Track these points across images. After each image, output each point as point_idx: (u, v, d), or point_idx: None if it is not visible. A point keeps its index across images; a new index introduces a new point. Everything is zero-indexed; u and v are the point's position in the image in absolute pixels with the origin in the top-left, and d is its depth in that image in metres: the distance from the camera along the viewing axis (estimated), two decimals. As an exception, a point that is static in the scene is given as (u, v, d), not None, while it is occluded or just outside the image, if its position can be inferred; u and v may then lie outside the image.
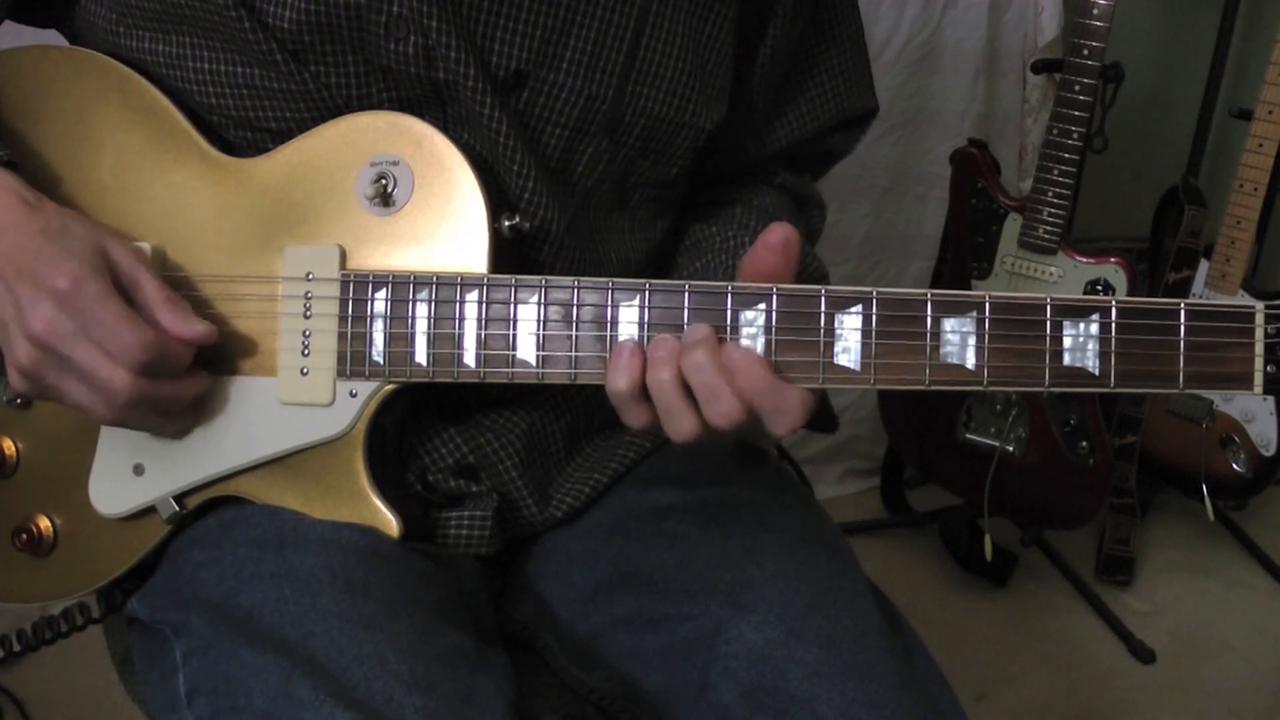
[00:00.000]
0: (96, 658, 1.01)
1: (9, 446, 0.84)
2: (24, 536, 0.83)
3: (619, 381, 0.71)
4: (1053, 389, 0.70)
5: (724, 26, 0.84)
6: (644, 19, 0.80)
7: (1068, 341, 0.69)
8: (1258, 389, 0.69)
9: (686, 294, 0.71)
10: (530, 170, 0.79)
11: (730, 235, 0.91)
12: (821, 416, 0.79)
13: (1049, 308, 0.69)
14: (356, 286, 0.75)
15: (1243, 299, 1.91)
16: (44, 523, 0.83)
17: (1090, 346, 0.69)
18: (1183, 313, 0.69)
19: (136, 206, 0.79)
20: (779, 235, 0.71)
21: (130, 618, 0.83)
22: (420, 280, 0.75)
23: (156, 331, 0.72)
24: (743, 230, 0.91)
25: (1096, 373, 0.70)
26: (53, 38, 0.89)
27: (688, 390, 0.70)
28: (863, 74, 0.98)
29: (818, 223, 1.01)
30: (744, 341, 0.71)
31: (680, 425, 0.70)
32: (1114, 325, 0.69)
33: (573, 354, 0.73)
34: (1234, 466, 1.96)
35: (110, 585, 0.83)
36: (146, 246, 0.77)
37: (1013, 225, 1.82)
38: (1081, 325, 0.69)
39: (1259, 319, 0.69)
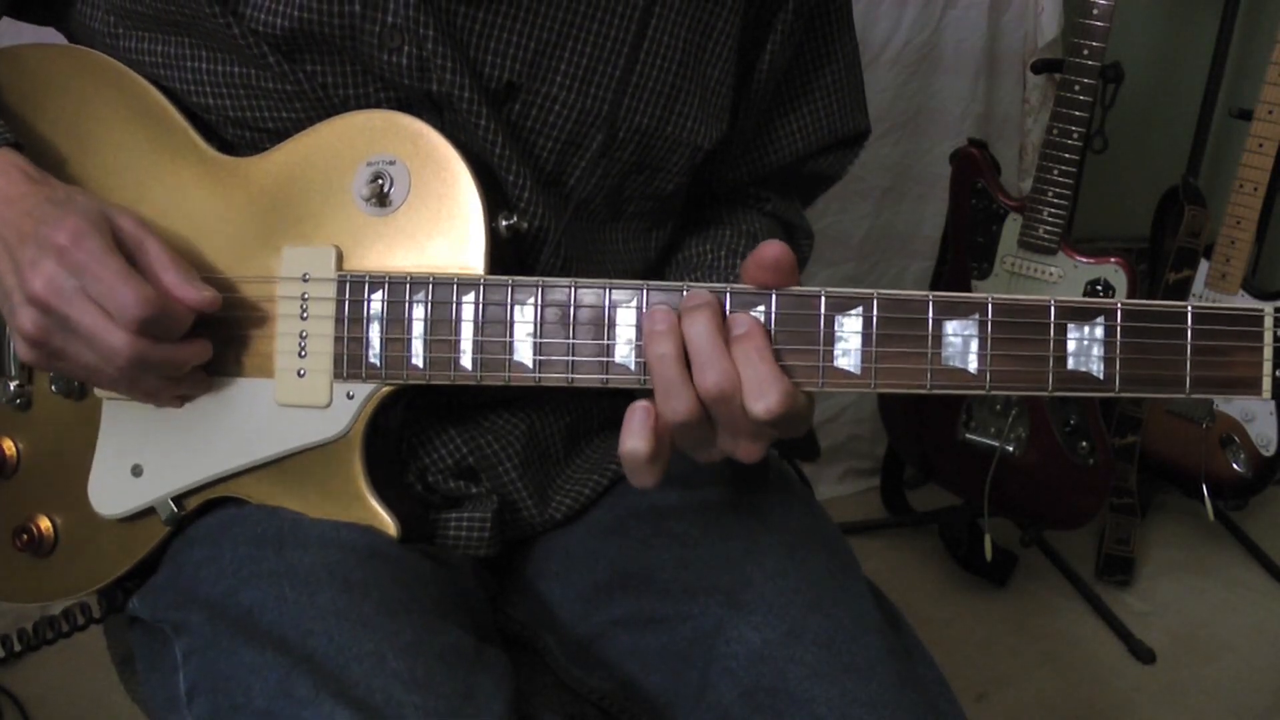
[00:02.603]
0: (96, 658, 1.01)
1: (9, 447, 0.84)
2: (25, 537, 0.83)
3: (662, 346, 0.68)
4: (1056, 394, 0.69)
5: (727, 44, 0.84)
6: (641, 34, 0.80)
7: (1071, 345, 0.68)
8: (1266, 394, 0.68)
9: (684, 296, 0.71)
10: (525, 179, 0.79)
11: (722, 256, 0.91)
12: (805, 441, 0.78)
13: (1052, 310, 0.68)
14: (353, 287, 0.75)
15: (1243, 299, 1.91)
16: (44, 523, 0.83)
17: (1094, 350, 0.68)
18: (1189, 316, 0.68)
19: (135, 206, 0.79)
20: (772, 253, 0.69)
21: (131, 616, 0.84)
22: (417, 281, 0.74)
23: (157, 290, 0.71)
24: (732, 254, 0.91)
25: (1101, 377, 0.68)
26: (51, 35, 0.89)
27: (688, 366, 0.68)
28: (856, 95, 0.98)
29: (806, 250, 1.01)
30: None
31: (676, 403, 0.68)
32: (1119, 329, 0.68)
33: (570, 358, 0.73)
34: (1234, 466, 1.96)
35: (111, 585, 0.83)
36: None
37: (1013, 225, 1.82)
38: (1085, 329, 0.68)
39: (1267, 322, 0.67)
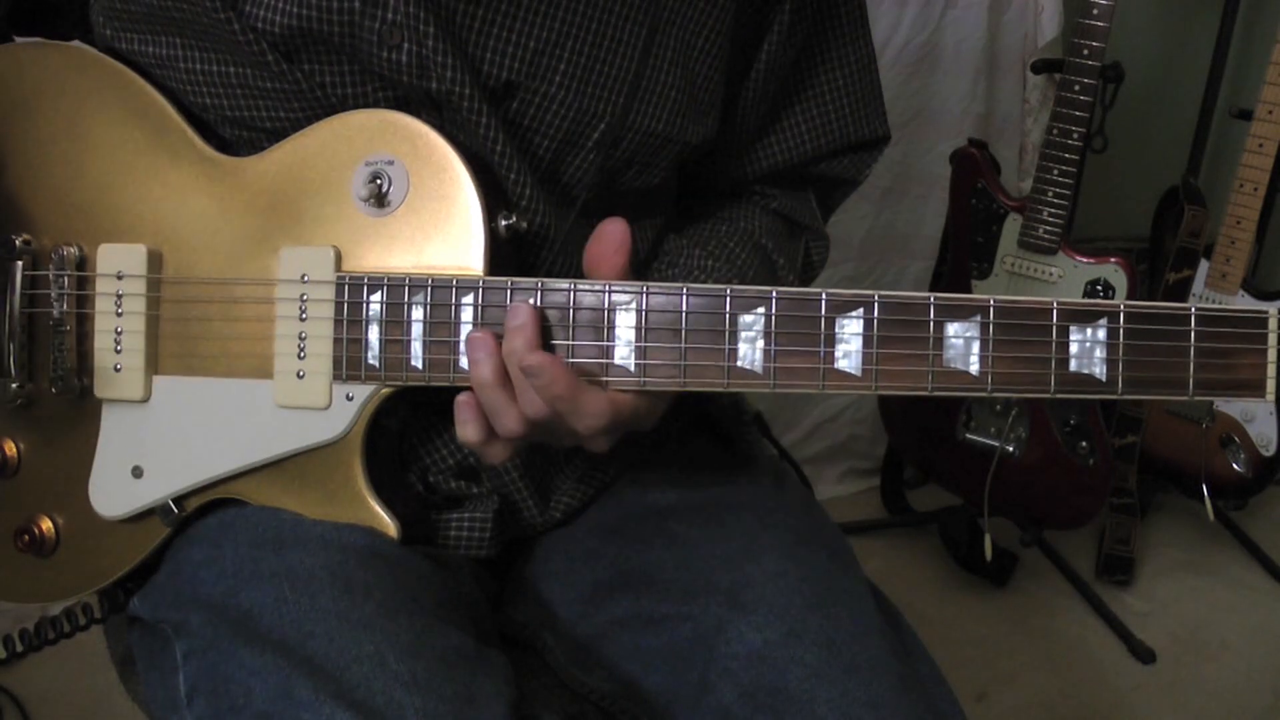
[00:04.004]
0: (96, 658, 1.01)
1: (10, 447, 0.84)
2: (26, 537, 0.83)
3: (483, 371, 0.72)
4: (1059, 396, 0.69)
5: (716, 42, 0.84)
6: (652, 37, 0.80)
7: (1074, 348, 0.68)
8: (1270, 395, 0.68)
9: (685, 297, 0.71)
10: (524, 177, 0.79)
11: (705, 253, 0.90)
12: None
13: (1055, 312, 0.68)
14: (352, 289, 0.75)
15: (1243, 299, 1.91)
16: (46, 523, 0.83)
17: (1097, 353, 0.68)
18: (1192, 318, 0.67)
19: (133, 206, 0.79)
20: (608, 228, 0.73)
21: (131, 617, 0.84)
22: (415, 282, 0.74)
23: None
24: (713, 254, 0.90)
25: (1104, 379, 0.68)
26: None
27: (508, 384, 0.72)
28: (871, 99, 0.96)
29: (816, 253, 0.99)
30: (742, 346, 0.71)
31: (506, 423, 0.72)
32: (1122, 331, 0.68)
33: (570, 360, 0.72)
34: (1234, 466, 1.96)
35: (112, 585, 0.83)
36: (142, 248, 0.78)
37: (1013, 225, 1.82)
38: (1088, 330, 0.68)
39: (1272, 324, 0.67)
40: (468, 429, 0.73)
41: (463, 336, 0.74)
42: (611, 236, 0.73)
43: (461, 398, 0.73)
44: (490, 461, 0.76)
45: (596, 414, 0.71)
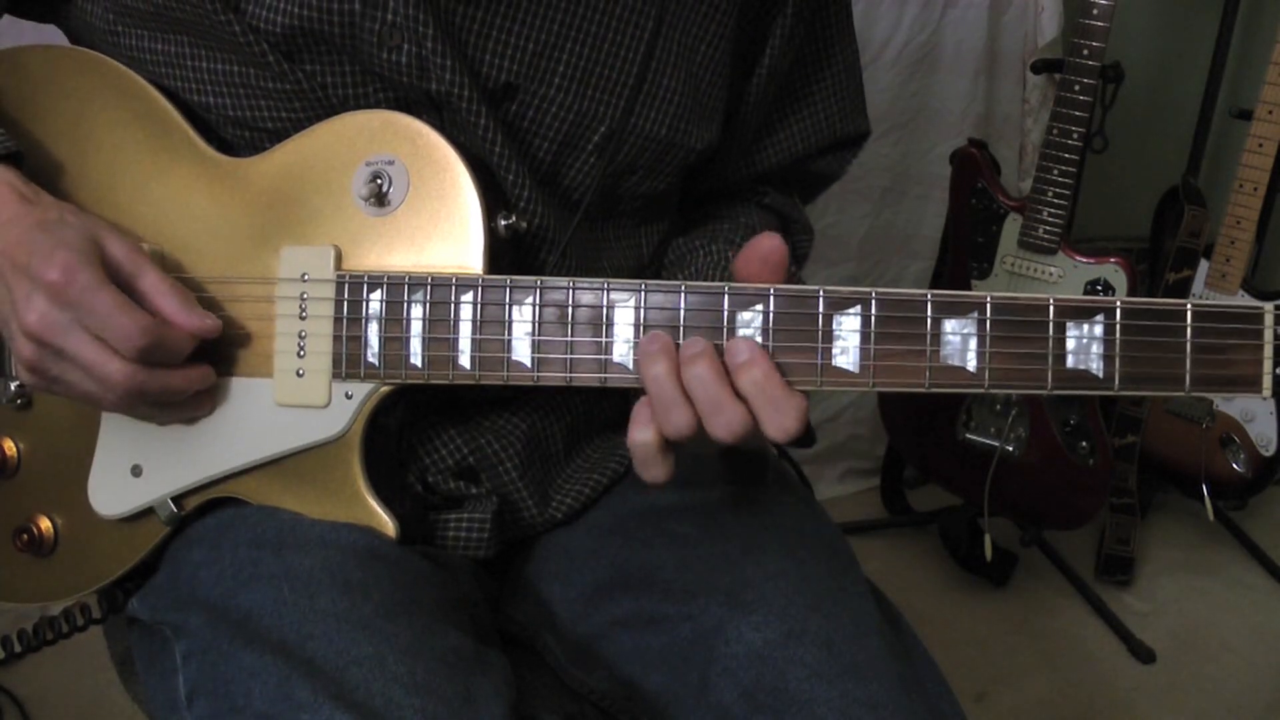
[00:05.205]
0: (96, 658, 1.01)
1: (10, 447, 0.84)
2: (25, 537, 0.83)
3: (657, 366, 0.69)
4: (1056, 392, 0.69)
5: (720, 47, 0.84)
6: (654, 41, 0.80)
7: (1071, 344, 0.68)
8: (1266, 392, 0.68)
9: (683, 295, 0.71)
10: (523, 178, 0.80)
11: (715, 249, 0.91)
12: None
13: (1051, 309, 0.68)
14: (351, 287, 0.75)
15: (1242, 299, 1.91)
16: (45, 523, 0.83)
17: (1094, 349, 0.68)
18: (1189, 314, 0.67)
19: (135, 207, 0.79)
20: (767, 244, 0.70)
21: (131, 618, 0.84)
22: (415, 281, 0.74)
23: (154, 318, 0.72)
24: (728, 245, 0.91)
25: (1100, 375, 0.68)
26: (53, 34, 0.89)
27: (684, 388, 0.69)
28: (856, 97, 0.98)
29: (804, 247, 1.01)
30: None
31: (676, 418, 0.69)
32: (1118, 327, 0.68)
33: (569, 356, 0.73)
34: (1234, 466, 1.96)
35: (111, 585, 0.83)
36: (145, 247, 0.78)
37: (1013, 225, 1.82)
38: (1085, 326, 0.68)
39: (1268, 320, 0.67)
40: (647, 431, 0.69)
41: (462, 334, 0.74)
42: (772, 253, 0.70)
43: (641, 400, 0.70)
44: (651, 479, 0.71)
45: (799, 410, 0.68)
